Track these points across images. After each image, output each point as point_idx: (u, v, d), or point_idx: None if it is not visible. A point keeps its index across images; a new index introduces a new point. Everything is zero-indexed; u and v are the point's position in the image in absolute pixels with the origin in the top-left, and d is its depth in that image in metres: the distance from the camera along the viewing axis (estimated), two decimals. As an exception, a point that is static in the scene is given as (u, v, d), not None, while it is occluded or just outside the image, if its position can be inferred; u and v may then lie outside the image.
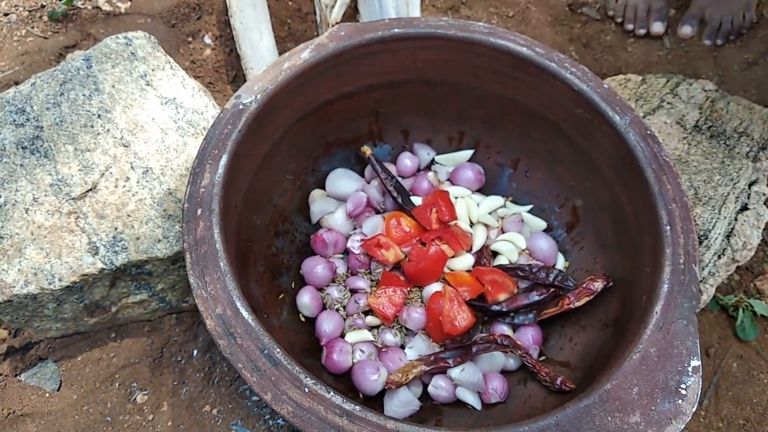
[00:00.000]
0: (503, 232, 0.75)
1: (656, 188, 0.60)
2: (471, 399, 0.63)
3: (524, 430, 0.47)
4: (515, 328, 0.68)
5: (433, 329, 0.66)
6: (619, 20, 1.16)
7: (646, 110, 0.85)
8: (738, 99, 0.87)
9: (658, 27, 1.12)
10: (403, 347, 0.67)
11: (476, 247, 0.73)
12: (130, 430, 0.70)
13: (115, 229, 0.67)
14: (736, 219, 0.75)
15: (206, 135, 0.61)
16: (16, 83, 0.98)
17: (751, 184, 0.77)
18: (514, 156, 0.78)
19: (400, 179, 0.77)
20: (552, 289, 0.67)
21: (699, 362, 0.51)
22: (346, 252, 0.73)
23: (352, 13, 1.06)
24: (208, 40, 1.06)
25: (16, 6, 1.08)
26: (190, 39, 1.06)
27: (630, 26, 1.14)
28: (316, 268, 0.70)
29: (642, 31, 1.13)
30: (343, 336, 0.67)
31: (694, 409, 0.49)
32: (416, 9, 0.99)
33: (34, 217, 0.67)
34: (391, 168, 0.78)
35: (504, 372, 0.66)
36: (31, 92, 0.74)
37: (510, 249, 0.73)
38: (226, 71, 1.04)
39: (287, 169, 0.73)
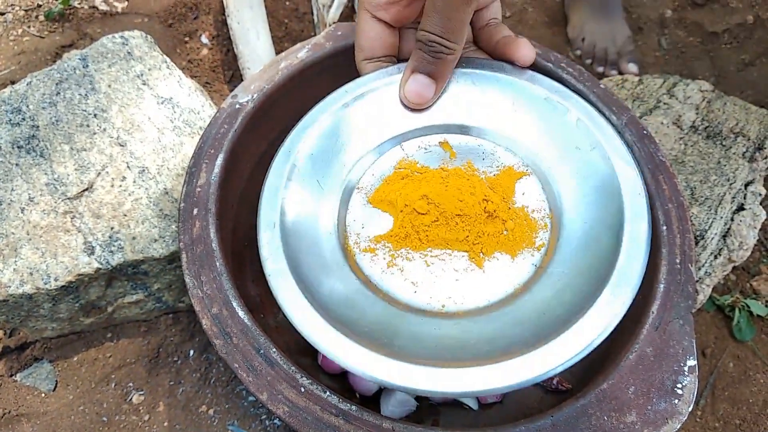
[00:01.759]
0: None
1: (653, 188, 0.60)
2: (467, 399, 0.63)
3: (521, 430, 0.46)
4: (512, 328, 0.68)
5: (429, 329, 0.65)
6: (588, 61, 1.13)
7: (642, 111, 0.85)
8: (734, 99, 0.87)
9: (633, 68, 1.09)
10: (399, 347, 0.67)
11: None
12: (126, 430, 0.70)
13: (111, 228, 0.67)
14: (732, 219, 0.75)
15: (202, 134, 0.60)
16: (12, 82, 0.97)
17: (747, 185, 0.77)
18: (511, 156, 0.78)
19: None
20: (549, 289, 0.67)
21: (695, 362, 0.51)
22: (343, 252, 0.73)
23: (349, 13, 1.06)
24: (205, 39, 1.06)
25: (12, 5, 1.08)
26: (186, 39, 1.06)
27: (600, 68, 1.11)
28: (312, 268, 0.70)
29: (614, 72, 1.10)
30: (339, 336, 0.67)
31: (690, 409, 0.49)
32: (413, 9, 0.99)
33: (30, 216, 0.67)
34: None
35: (501, 372, 0.66)
36: (26, 91, 0.74)
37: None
38: (223, 71, 1.04)
39: (284, 169, 0.72)
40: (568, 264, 0.41)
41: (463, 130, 0.49)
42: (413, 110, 0.49)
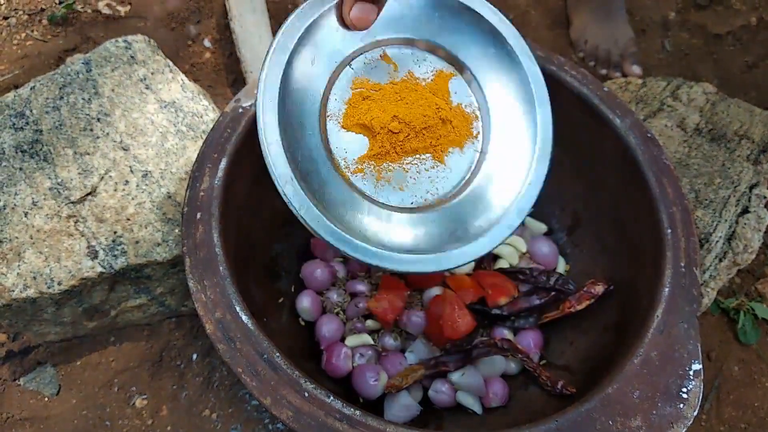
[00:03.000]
0: (503, 236, 0.75)
1: (657, 191, 0.60)
2: (471, 403, 0.63)
3: (525, 434, 0.46)
4: (516, 331, 0.68)
5: (433, 333, 0.65)
6: (591, 63, 1.12)
7: (646, 113, 0.85)
8: (738, 102, 0.87)
9: (637, 70, 1.08)
10: (403, 351, 0.67)
11: (476, 250, 0.73)
12: (130, 434, 0.70)
13: (115, 232, 0.67)
14: (737, 222, 0.74)
15: (206, 139, 0.60)
16: (16, 87, 0.98)
17: (751, 187, 0.77)
18: (514, 159, 0.78)
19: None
20: (553, 293, 0.67)
21: (700, 366, 0.51)
22: (346, 255, 0.73)
23: (351, 17, 1.06)
24: (207, 43, 1.06)
25: (15, 10, 1.08)
26: (189, 42, 1.06)
27: (603, 71, 1.10)
28: (315, 271, 0.70)
29: (617, 74, 1.09)
30: (342, 340, 0.67)
31: (695, 413, 0.49)
32: (416, 12, 0.99)
33: (33, 221, 0.67)
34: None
35: (505, 376, 0.66)
36: (30, 96, 0.74)
37: (510, 252, 0.73)
38: (226, 74, 1.04)
39: (287, 173, 0.72)
40: (500, 145, 0.55)
41: (397, 41, 0.55)
42: (354, 31, 0.54)
